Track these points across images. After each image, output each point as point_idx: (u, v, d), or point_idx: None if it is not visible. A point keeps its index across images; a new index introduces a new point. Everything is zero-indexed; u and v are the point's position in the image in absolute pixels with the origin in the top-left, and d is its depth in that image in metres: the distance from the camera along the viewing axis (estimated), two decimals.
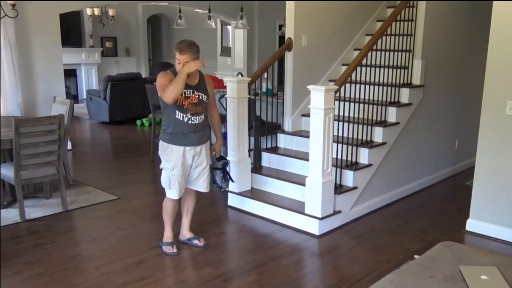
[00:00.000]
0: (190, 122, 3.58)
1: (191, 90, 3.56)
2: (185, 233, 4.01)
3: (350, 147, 4.51)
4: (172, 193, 3.72)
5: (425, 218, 4.71)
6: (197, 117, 3.62)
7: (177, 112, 3.55)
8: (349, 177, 4.51)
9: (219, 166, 3.98)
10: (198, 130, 3.65)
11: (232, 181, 4.23)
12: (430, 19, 4.95)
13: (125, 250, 3.91)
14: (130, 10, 12.58)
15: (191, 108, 3.56)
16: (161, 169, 3.73)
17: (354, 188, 4.53)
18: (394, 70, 4.93)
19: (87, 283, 3.38)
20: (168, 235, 3.88)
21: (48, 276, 3.46)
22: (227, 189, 4.31)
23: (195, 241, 3.97)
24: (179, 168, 3.63)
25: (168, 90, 3.41)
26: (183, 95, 3.50)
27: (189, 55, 3.44)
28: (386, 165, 4.87)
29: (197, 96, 3.58)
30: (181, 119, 3.57)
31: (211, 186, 3.92)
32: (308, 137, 4.26)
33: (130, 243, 4.06)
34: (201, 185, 3.82)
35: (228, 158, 4.40)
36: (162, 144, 3.70)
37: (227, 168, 4.11)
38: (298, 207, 4.39)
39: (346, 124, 4.47)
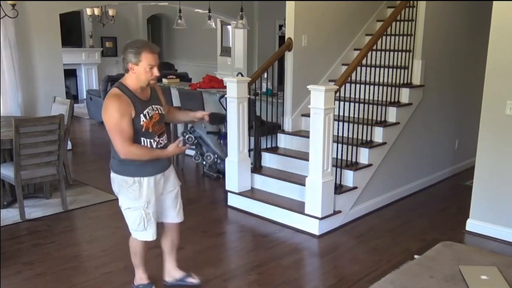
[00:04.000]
0: (159, 146, 2.87)
1: (150, 108, 2.80)
2: (174, 274, 3.33)
3: (350, 147, 4.51)
4: (150, 235, 2.99)
5: (425, 218, 4.71)
6: (164, 137, 2.94)
7: (142, 140, 2.79)
8: (349, 177, 4.51)
9: (214, 130, 3.35)
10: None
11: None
12: (430, 19, 4.95)
13: (125, 250, 3.88)
14: (130, 10, 12.58)
15: (156, 128, 2.85)
16: (124, 209, 2.97)
17: (354, 188, 4.53)
18: (394, 70, 4.93)
19: (87, 283, 3.38)
20: (141, 276, 3.23)
21: (48, 276, 3.46)
22: (224, 161, 3.48)
23: (189, 280, 3.32)
24: (153, 203, 2.92)
25: (133, 150, 2.69)
26: (148, 116, 2.77)
27: (157, 55, 2.74)
28: (386, 165, 4.87)
29: (158, 111, 2.87)
30: (149, 146, 2.83)
31: (199, 161, 3.32)
32: (308, 137, 4.26)
33: None
34: (177, 214, 3.15)
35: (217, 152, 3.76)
36: (123, 179, 2.88)
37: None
38: (298, 207, 4.39)
39: (346, 124, 4.47)
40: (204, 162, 3.52)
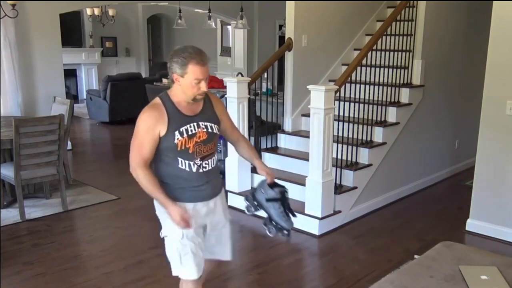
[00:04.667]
0: (201, 170, 2.40)
1: (195, 124, 2.37)
2: None
3: (350, 147, 4.51)
4: (188, 272, 2.45)
5: (425, 218, 4.71)
6: (210, 161, 2.44)
7: (180, 160, 2.36)
8: (349, 177, 4.51)
9: (275, 195, 2.60)
10: (211, 179, 2.48)
11: (294, 215, 2.76)
12: (430, 19, 4.95)
13: (125, 250, 3.91)
14: (130, 10, 12.58)
15: (199, 149, 2.38)
16: (163, 238, 2.54)
17: (354, 188, 4.53)
18: (394, 70, 4.93)
19: (87, 283, 3.38)
20: None
21: (48, 276, 3.46)
22: (290, 229, 2.71)
23: None
24: (190, 235, 2.42)
25: (139, 173, 2.32)
26: (186, 134, 2.33)
27: (208, 66, 2.31)
28: (386, 165, 4.87)
29: (206, 129, 2.40)
30: (188, 169, 2.37)
31: (267, 228, 2.63)
32: (308, 137, 4.26)
33: (130, 243, 4.05)
34: (223, 251, 2.65)
35: (263, 175, 2.63)
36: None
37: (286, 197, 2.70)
38: (298, 207, 4.38)
39: (346, 124, 4.47)
40: (268, 233, 2.64)
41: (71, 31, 10.79)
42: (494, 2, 4.03)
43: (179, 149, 2.32)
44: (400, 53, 4.94)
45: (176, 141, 2.31)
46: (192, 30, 11.55)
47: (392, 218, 4.71)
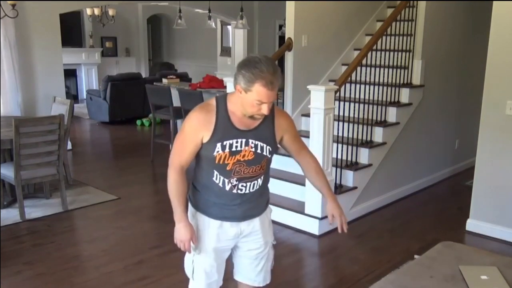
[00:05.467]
0: (235, 191, 2.14)
1: (243, 141, 2.07)
2: None
3: (350, 147, 4.51)
4: (194, 286, 2.30)
5: (425, 218, 4.71)
6: (249, 184, 2.14)
7: (215, 173, 2.12)
8: (349, 177, 4.51)
9: None
10: (246, 202, 2.18)
11: None
12: (430, 19, 4.95)
13: (125, 250, 3.91)
14: (130, 10, 12.58)
15: (239, 169, 2.10)
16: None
17: (354, 188, 4.53)
18: (394, 70, 4.93)
19: (87, 283, 3.38)
20: None
21: (48, 276, 3.46)
22: None
23: None
24: (209, 253, 2.21)
25: (171, 173, 2.12)
26: (228, 149, 2.06)
27: (277, 89, 2.00)
28: (386, 165, 4.87)
29: (254, 149, 2.09)
30: (221, 184, 2.12)
31: None
32: (308, 137, 4.26)
33: (130, 243, 4.05)
34: (256, 277, 2.36)
35: None
36: (190, 205, 2.27)
37: None
38: (298, 207, 4.39)
39: (346, 124, 4.47)
40: None
41: (71, 31, 10.79)
42: (494, 2, 4.03)
43: (216, 162, 2.07)
44: (400, 53, 4.95)
45: (215, 153, 2.05)
46: (192, 30, 11.55)
47: (392, 218, 4.71)
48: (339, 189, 4.39)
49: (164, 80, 7.48)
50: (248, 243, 2.26)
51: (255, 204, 2.22)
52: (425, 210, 4.95)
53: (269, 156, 2.15)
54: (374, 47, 4.72)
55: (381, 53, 4.86)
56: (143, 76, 10.55)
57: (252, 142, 2.08)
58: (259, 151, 2.10)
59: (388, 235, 4.31)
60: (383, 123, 4.81)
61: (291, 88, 5.21)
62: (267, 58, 1.97)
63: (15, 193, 4.53)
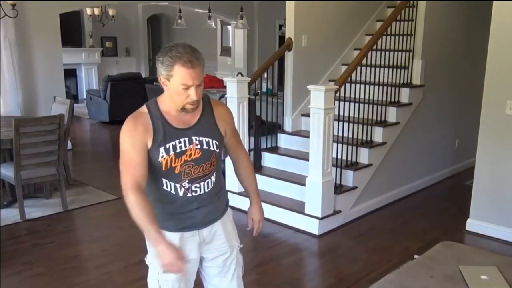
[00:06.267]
0: (190, 195, 2.00)
1: (186, 140, 1.94)
2: None
3: (350, 147, 4.51)
4: None
5: (425, 218, 4.71)
6: (202, 184, 2.01)
7: (163, 181, 1.97)
8: (349, 177, 4.51)
9: None
10: (206, 203, 2.05)
11: None
12: (430, 19, 4.95)
13: (125, 250, 3.91)
14: (130, 10, 12.58)
15: (189, 170, 1.96)
16: (147, 263, 2.15)
17: (354, 188, 4.53)
18: (394, 70, 4.93)
19: (87, 283, 3.38)
20: None
21: (48, 276, 3.46)
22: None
23: None
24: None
25: (130, 198, 1.88)
26: (172, 151, 1.92)
27: (201, 69, 1.91)
28: (386, 165, 4.87)
29: (200, 146, 1.97)
30: (173, 191, 1.98)
31: None
32: (308, 137, 4.26)
33: (130, 243, 4.05)
34: (228, 285, 2.20)
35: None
36: None
37: None
38: (298, 207, 4.38)
39: (346, 124, 4.47)
40: None
41: (71, 31, 10.79)
42: (494, 2, 4.03)
43: (163, 168, 1.92)
44: (400, 53, 4.94)
45: (160, 159, 1.90)
46: (192, 30, 11.54)
47: (392, 218, 4.71)
48: (339, 189, 4.39)
49: None
50: (212, 251, 2.11)
51: (214, 207, 2.09)
52: (425, 210, 4.95)
53: (217, 150, 2.01)
54: (374, 47, 4.71)
55: (381, 53, 4.85)
56: (143, 76, 10.56)
57: (196, 139, 1.95)
58: (205, 147, 1.97)
59: (388, 235, 4.31)
60: (383, 123, 4.81)
61: (291, 88, 5.21)
62: (184, 43, 1.88)
63: (15, 193, 4.53)
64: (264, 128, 5.18)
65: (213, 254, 2.12)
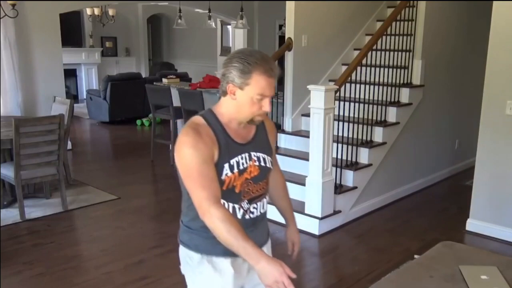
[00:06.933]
0: (248, 216, 1.82)
1: (246, 156, 1.78)
2: None
3: (350, 147, 4.51)
4: None
5: (425, 218, 4.71)
6: (259, 205, 1.86)
7: (223, 202, 1.73)
8: (349, 177, 4.51)
9: None
10: (258, 227, 1.90)
11: None
12: (430, 19, 4.95)
13: (125, 250, 3.91)
14: (130, 10, 12.57)
15: (248, 189, 1.80)
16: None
17: (354, 188, 4.53)
18: (394, 70, 4.93)
19: (87, 283, 3.38)
20: None
21: (48, 276, 3.46)
22: None
23: None
24: None
25: (215, 214, 1.62)
26: (236, 168, 1.74)
27: (275, 81, 1.73)
28: (386, 165, 4.87)
29: (258, 163, 1.82)
30: (231, 213, 1.74)
31: None
32: (308, 137, 4.26)
33: (130, 243, 4.06)
34: None
35: None
36: (187, 253, 1.84)
37: None
38: (298, 207, 4.38)
39: (346, 124, 4.47)
40: None
41: (71, 31, 10.78)
42: (494, 2, 4.03)
43: (224, 188, 1.72)
44: (400, 53, 4.95)
45: (223, 177, 1.71)
46: (192, 30, 11.55)
47: (392, 218, 4.71)
48: (339, 189, 4.39)
49: (164, 80, 7.48)
50: (256, 277, 1.69)
51: (263, 230, 1.95)
52: (425, 210, 4.95)
53: (271, 168, 1.88)
54: (374, 47, 4.71)
55: (381, 53, 4.86)
56: (143, 76, 10.56)
57: (254, 155, 1.80)
58: (262, 163, 1.83)
59: (388, 235, 4.31)
60: (383, 123, 4.81)
61: (291, 88, 5.21)
62: (256, 50, 1.75)
63: (15, 193, 4.53)
64: None
65: (256, 280, 1.75)
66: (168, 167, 6.27)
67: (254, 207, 1.83)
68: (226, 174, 1.72)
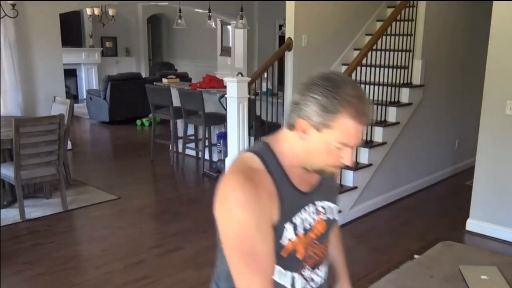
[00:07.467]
0: (309, 286, 1.40)
1: (311, 208, 1.33)
2: None
3: None
4: None
5: (425, 218, 4.71)
6: (322, 269, 1.47)
7: (278, 270, 1.29)
8: (349, 177, 4.51)
9: None
10: None
11: None
12: (430, 19, 4.95)
13: (125, 250, 3.91)
14: (130, 10, 12.57)
15: (312, 253, 1.37)
16: None
17: (354, 188, 4.53)
18: (394, 70, 4.93)
19: (87, 283, 3.38)
20: None
21: (48, 276, 3.46)
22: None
23: None
24: None
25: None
26: (301, 229, 1.29)
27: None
28: (386, 165, 4.87)
29: (325, 216, 1.38)
30: (288, 284, 1.33)
31: None
32: None
33: (130, 243, 4.05)
34: None
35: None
36: None
37: None
38: None
39: None
40: None
41: (71, 31, 10.78)
42: (494, 2, 4.03)
43: (285, 254, 1.27)
44: (400, 53, 4.94)
45: (284, 240, 1.26)
46: (192, 30, 11.55)
47: (392, 218, 4.71)
48: (339, 189, 4.39)
49: (164, 80, 7.47)
50: None
51: None
52: (425, 210, 4.95)
53: (337, 221, 1.48)
54: (374, 47, 4.71)
55: (381, 53, 4.85)
56: (143, 76, 10.55)
57: (320, 206, 1.35)
58: (329, 215, 1.38)
59: (388, 235, 4.31)
60: (383, 123, 4.81)
61: (291, 89, 5.20)
62: (349, 78, 1.30)
63: (15, 193, 4.53)
64: (264, 128, 5.18)
65: None
66: (168, 167, 6.27)
67: (317, 275, 1.41)
68: (288, 238, 1.26)
